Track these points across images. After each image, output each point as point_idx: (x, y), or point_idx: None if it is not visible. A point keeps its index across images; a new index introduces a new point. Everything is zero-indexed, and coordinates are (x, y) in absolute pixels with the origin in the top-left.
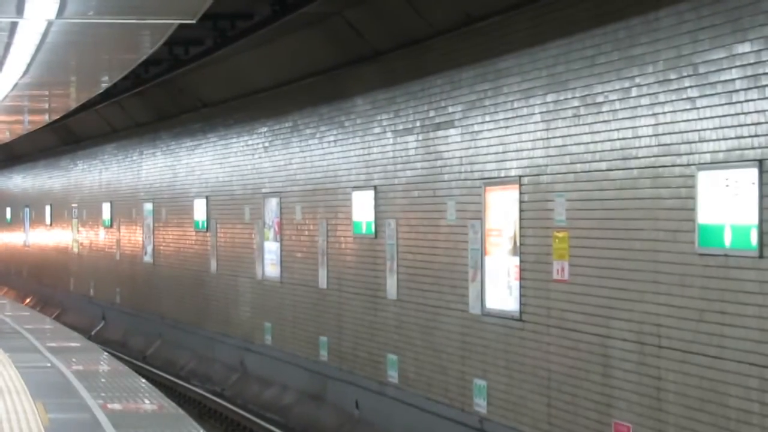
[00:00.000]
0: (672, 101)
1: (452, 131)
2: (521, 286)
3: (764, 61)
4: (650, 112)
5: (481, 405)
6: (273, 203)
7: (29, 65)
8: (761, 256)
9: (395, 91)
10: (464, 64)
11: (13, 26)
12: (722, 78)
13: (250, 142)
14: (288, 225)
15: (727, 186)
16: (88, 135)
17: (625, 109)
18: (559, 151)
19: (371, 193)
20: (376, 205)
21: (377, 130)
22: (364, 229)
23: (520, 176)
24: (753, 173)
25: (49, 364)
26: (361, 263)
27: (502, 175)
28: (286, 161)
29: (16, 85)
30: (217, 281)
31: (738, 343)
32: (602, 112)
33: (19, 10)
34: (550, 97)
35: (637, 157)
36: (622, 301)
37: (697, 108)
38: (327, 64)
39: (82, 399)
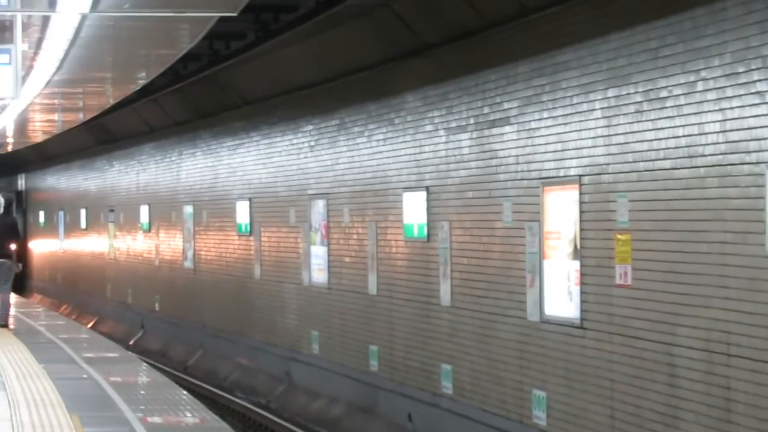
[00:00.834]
0: (740, 96)
1: (508, 128)
2: (582, 292)
3: None
4: (717, 108)
5: (540, 417)
6: (319, 205)
7: (62, 61)
8: None
9: (447, 86)
10: (520, 58)
11: (46, 21)
12: None
13: (294, 141)
14: (335, 228)
15: None
16: (124, 134)
17: (690, 104)
18: (620, 149)
19: (423, 194)
20: (429, 207)
21: (429, 127)
22: (415, 232)
23: (580, 176)
24: None
25: (85, 376)
26: (412, 268)
27: (561, 174)
28: (333, 161)
29: (49, 82)
30: (261, 288)
31: None
32: (666, 108)
33: (52, 4)
34: (611, 92)
35: (703, 155)
36: (689, 307)
37: (767, 103)
38: (375, 58)
39: (120, 412)
